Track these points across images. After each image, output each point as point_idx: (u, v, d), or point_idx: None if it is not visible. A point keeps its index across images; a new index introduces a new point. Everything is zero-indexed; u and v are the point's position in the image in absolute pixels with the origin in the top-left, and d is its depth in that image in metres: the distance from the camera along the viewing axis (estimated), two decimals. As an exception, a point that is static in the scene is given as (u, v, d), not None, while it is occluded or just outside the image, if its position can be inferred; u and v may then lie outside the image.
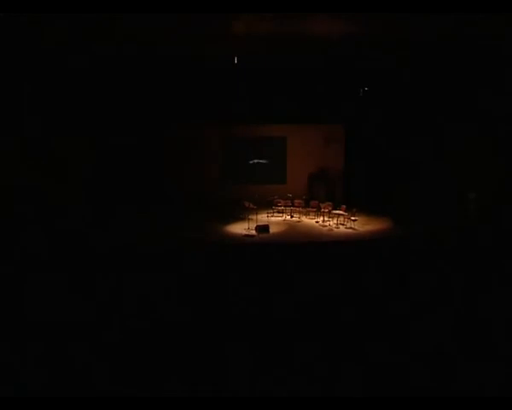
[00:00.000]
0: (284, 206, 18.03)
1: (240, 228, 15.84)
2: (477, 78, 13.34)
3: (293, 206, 17.97)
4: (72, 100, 15.83)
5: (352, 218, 15.79)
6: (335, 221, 16.43)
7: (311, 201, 18.23)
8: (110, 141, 17.91)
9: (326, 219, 16.78)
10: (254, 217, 16.03)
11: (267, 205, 17.90)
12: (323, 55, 14.72)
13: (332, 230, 15.75)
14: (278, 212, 18.08)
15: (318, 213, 17.36)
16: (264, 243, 14.05)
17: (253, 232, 15.08)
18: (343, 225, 16.14)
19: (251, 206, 16.86)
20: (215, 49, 14.10)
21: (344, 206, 16.64)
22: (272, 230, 15.35)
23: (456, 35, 11.57)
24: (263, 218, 16.96)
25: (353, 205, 16.44)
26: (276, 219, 17.40)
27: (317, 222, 16.91)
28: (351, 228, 15.72)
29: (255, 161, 21.12)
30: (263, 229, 15.16)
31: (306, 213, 17.87)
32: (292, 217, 17.84)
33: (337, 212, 16.44)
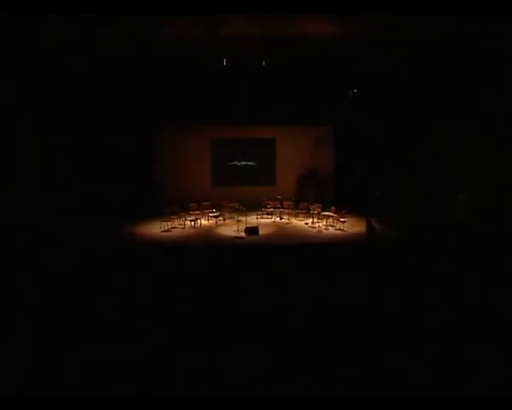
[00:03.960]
0: (273, 207, 18.09)
1: (229, 230, 15.83)
2: (477, 78, 13.43)
3: (282, 207, 18.04)
4: (62, 100, 15.79)
5: (342, 219, 15.84)
6: (325, 223, 16.47)
7: (300, 202, 18.30)
8: (100, 142, 17.81)
9: (315, 220, 16.82)
10: (244, 219, 16.01)
11: (256, 207, 17.90)
12: (314, 56, 14.74)
13: (321, 231, 15.76)
14: (267, 214, 18.09)
15: (308, 214, 17.42)
16: (253, 244, 14.01)
17: (243, 234, 15.04)
18: (332, 226, 16.19)
19: (240, 208, 16.90)
20: (203, 49, 14.06)
21: (333, 207, 16.71)
22: (261, 232, 15.34)
23: (456, 35, 11.70)
24: (252, 220, 16.95)
25: (343, 207, 16.52)
26: (265, 221, 17.38)
27: (306, 224, 16.93)
28: (340, 229, 15.75)
29: (243, 162, 21.13)
30: (252, 231, 15.13)
31: (296, 215, 17.91)
32: (281, 219, 17.86)
33: (326, 213, 16.51)
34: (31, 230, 13.16)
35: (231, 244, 14.07)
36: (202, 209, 17.56)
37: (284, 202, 18.11)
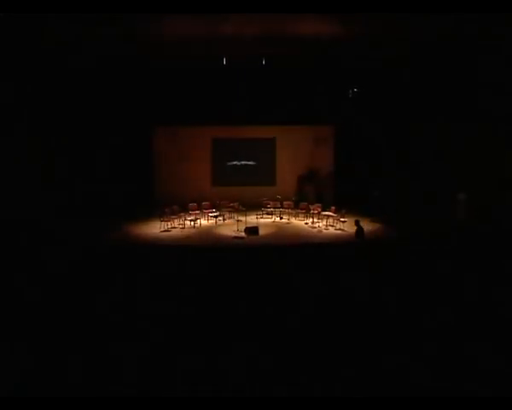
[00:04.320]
0: (273, 207, 18.10)
1: (229, 230, 15.85)
2: (477, 78, 13.41)
3: (282, 207, 18.06)
4: (62, 100, 15.81)
5: (342, 219, 15.84)
6: (325, 223, 16.48)
7: (300, 202, 18.33)
8: (100, 142, 17.83)
9: (315, 220, 16.83)
10: (243, 219, 16.03)
11: (256, 207, 17.89)
12: (314, 56, 14.77)
13: (321, 231, 15.75)
14: (267, 213, 18.11)
15: (308, 214, 17.44)
16: (253, 244, 13.96)
17: (243, 234, 15.03)
18: (332, 226, 16.19)
19: (240, 207, 16.92)
20: (203, 49, 14.09)
21: (333, 207, 16.72)
22: (261, 232, 15.32)
23: (456, 35, 11.73)
24: (252, 220, 16.96)
25: (343, 206, 16.54)
26: (265, 221, 17.40)
27: (306, 224, 16.94)
28: (340, 229, 15.74)
29: (243, 162, 21.15)
30: (252, 231, 15.10)
31: (296, 215, 17.93)
32: (281, 219, 17.88)
33: (326, 213, 16.51)
34: (31, 230, 13.19)
35: (231, 244, 14.07)
36: (202, 209, 17.60)
37: (284, 202, 18.13)
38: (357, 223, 12.64)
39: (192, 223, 16.37)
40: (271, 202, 18.23)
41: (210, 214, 17.27)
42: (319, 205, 17.15)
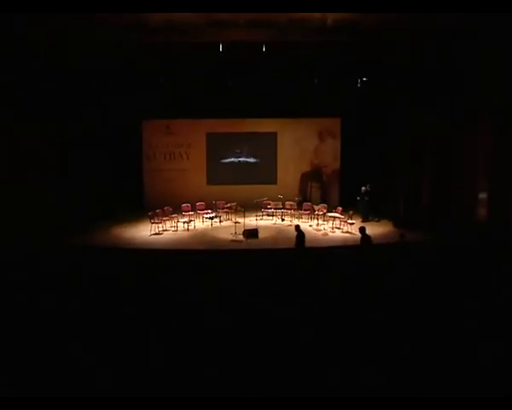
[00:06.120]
0: (274, 208, 18.29)
1: (226, 232, 16.01)
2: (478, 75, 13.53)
3: (284, 208, 18.25)
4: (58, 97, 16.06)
5: (349, 221, 16.00)
6: (331, 225, 16.65)
7: (303, 202, 18.50)
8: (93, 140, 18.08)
9: (320, 222, 17.03)
10: (242, 220, 16.19)
11: (256, 207, 18.01)
12: (317, 44, 14.91)
13: (327, 234, 15.94)
14: (268, 215, 18.31)
15: (312, 215, 17.63)
16: (252, 248, 13.96)
17: (241, 237, 15.20)
18: (339, 228, 16.38)
19: (238, 208, 17.06)
20: (199, 38, 14.25)
21: (340, 208, 16.88)
22: (261, 234, 15.48)
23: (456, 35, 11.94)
24: (251, 221, 17.14)
25: (350, 207, 16.71)
26: (265, 223, 17.61)
27: (310, 226, 17.12)
28: (348, 232, 15.89)
29: (241, 159, 21.31)
30: (251, 234, 15.26)
31: (299, 216, 18.11)
32: (283, 220, 18.09)
33: (332, 215, 16.68)
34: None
35: (228, 248, 14.18)
36: (196, 210, 17.79)
37: (286, 202, 18.33)
38: (297, 228, 12.28)
39: (186, 225, 16.57)
40: (272, 203, 18.41)
41: (205, 216, 17.47)
42: (324, 205, 17.34)
